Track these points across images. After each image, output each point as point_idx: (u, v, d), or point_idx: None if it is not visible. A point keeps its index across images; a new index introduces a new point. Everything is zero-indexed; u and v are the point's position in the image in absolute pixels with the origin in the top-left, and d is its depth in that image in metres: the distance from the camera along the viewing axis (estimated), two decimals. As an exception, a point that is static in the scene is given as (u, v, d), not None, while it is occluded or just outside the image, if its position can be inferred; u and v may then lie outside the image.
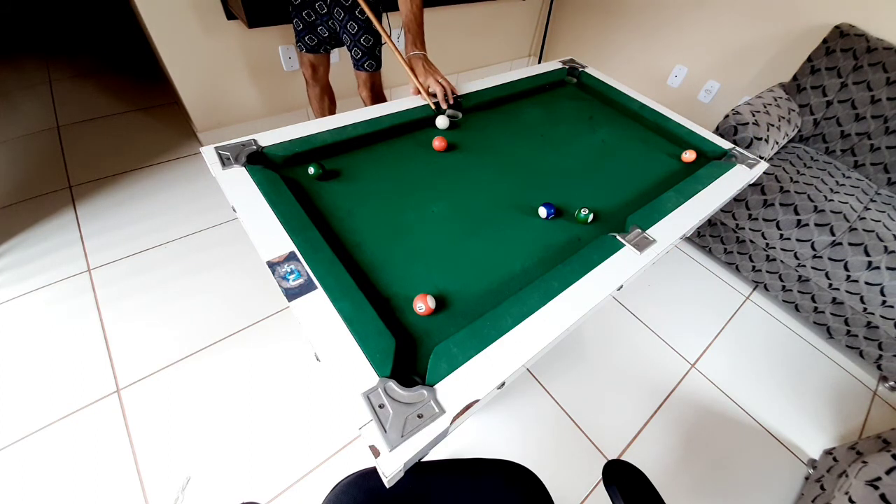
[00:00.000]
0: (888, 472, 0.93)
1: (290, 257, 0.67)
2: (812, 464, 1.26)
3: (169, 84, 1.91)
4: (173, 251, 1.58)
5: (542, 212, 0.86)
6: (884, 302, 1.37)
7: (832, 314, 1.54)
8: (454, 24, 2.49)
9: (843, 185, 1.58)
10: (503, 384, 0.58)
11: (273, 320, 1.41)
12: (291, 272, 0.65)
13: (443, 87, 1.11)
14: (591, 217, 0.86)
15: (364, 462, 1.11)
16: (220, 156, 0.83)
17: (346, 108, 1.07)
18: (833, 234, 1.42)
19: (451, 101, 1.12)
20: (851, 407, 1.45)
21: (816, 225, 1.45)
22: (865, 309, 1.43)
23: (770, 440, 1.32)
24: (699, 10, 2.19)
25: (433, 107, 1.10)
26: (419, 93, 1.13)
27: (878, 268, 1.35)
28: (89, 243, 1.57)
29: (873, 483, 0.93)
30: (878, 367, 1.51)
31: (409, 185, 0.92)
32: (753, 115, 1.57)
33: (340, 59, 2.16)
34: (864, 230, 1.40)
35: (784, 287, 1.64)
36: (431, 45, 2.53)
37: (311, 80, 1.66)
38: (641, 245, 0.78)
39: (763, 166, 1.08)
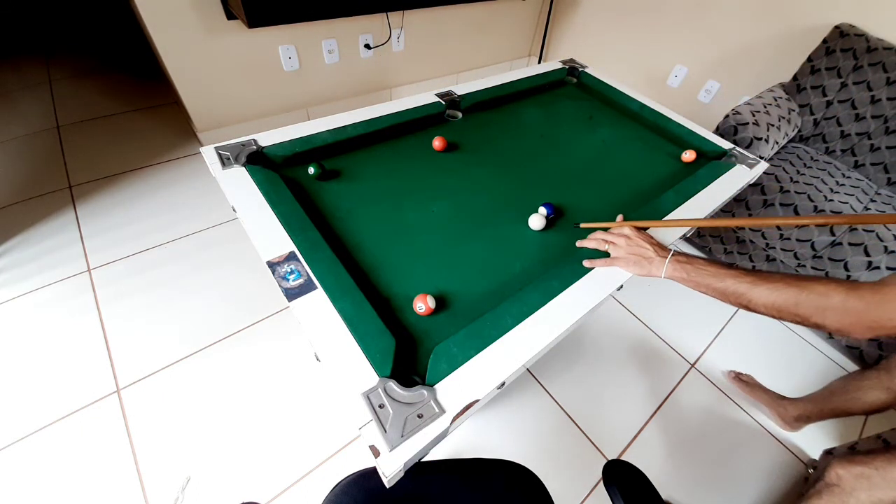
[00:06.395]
0: (888, 472, 0.93)
1: (290, 257, 0.67)
2: (812, 464, 1.26)
3: (169, 84, 1.91)
4: (173, 251, 1.58)
5: (542, 212, 0.85)
6: (884, 302, 1.36)
7: (832, 314, 1.54)
8: (454, 24, 2.48)
9: (843, 185, 1.58)
10: (503, 384, 0.58)
11: (273, 320, 1.41)
12: (291, 272, 0.65)
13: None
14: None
15: (364, 462, 1.11)
16: (220, 156, 0.83)
17: (346, 108, 1.06)
18: (833, 234, 1.42)
19: None
20: (851, 407, 1.45)
21: (816, 225, 1.45)
22: (865, 309, 1.43)
23: (770, 440, 1.32)
24: (699, 10, 2.19)
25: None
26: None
27: (878, 268, 1.35)
28: (89, 243, 1.57)
29: (873, 483, 0.93)
30: (878, 367, 1.51)
31: (409, 185, 0.92)
32: (753, 115, 1.57)
33: (340, 59, 2.16)
34: (864, 230, 1.39)
35: (784, 287, 1.64)
36: (432, 44, 2.55)
37: None
38: (641, 245, 0.78)
39: (763, 166, 1.08)
